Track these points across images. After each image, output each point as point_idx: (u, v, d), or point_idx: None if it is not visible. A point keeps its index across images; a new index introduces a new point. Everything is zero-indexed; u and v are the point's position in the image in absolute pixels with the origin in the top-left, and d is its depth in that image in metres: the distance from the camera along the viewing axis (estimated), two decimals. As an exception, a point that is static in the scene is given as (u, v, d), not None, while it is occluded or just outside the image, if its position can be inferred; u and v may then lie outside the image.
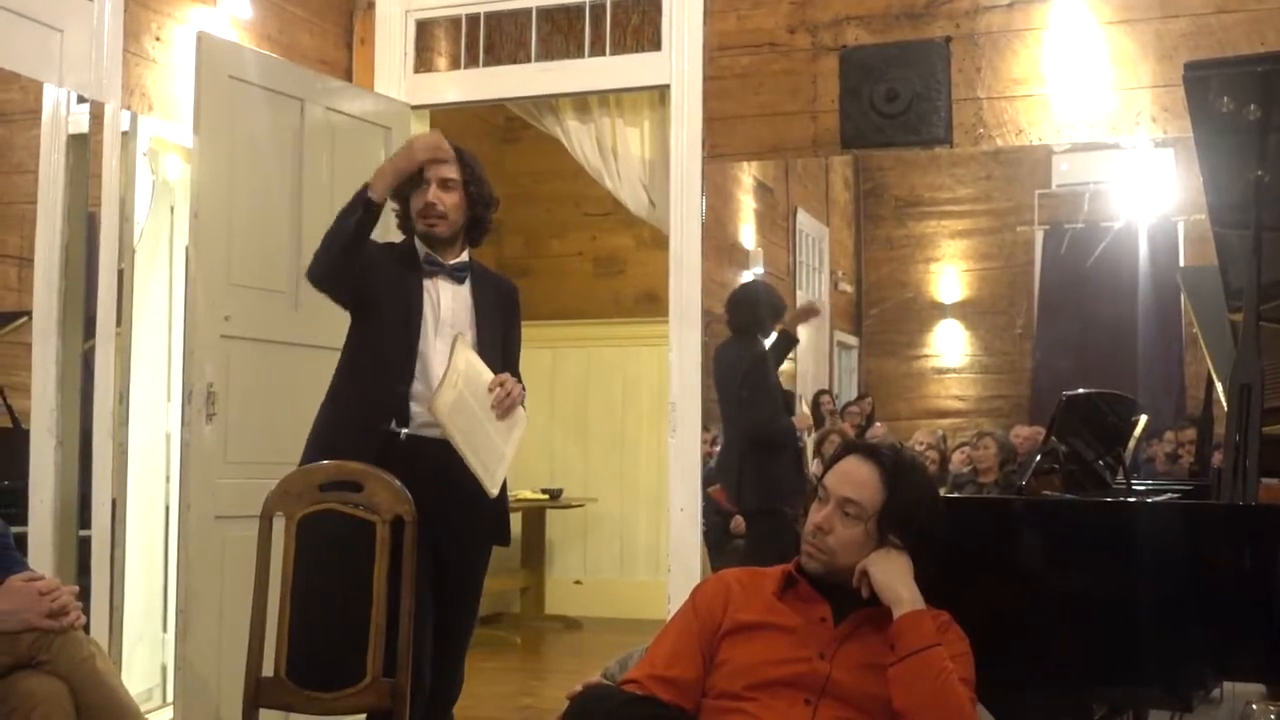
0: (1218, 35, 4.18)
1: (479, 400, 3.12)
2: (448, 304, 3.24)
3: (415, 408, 3.14)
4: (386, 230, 3.44)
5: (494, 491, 3.14)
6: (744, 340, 4.98)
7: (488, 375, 3.16)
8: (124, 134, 4.02)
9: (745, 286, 5.16)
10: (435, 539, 3.11)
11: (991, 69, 4.43)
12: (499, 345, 3.30)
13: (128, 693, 2.85)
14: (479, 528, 3.25)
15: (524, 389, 3.28)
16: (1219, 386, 3.69)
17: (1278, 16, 4.13)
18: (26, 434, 3.79)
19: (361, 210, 3.11)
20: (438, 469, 3.09)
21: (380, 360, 3.15)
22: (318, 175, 4.44)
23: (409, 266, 3.23)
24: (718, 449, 5.10)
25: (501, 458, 3.16)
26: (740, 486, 5.00)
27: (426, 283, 3.23)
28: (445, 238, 3.24)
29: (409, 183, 3.23)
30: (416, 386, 3.14)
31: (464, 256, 3.30)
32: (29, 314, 3.82)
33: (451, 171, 3.22)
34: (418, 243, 3.27)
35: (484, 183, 3.29)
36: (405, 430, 3.13)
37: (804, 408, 5.31)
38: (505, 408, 3.15)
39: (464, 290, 3.27)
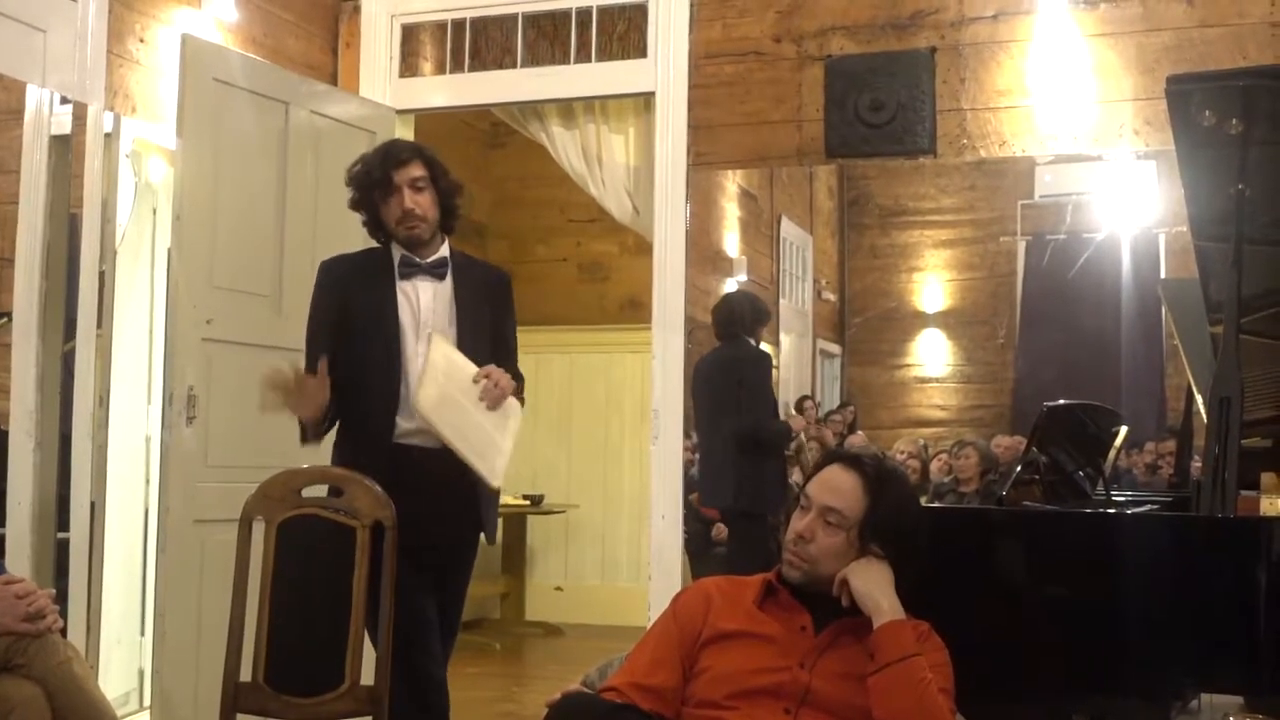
0: (1200, 49, 4.20)
1: (465, 394, 3.08)
2: (427, 304, 3.19)
3: (399, 419, 3.11)
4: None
5: (495, 483, 3.11)
6: (735, 344, 4.99)
7: (470, 368, 3.11)
8: (107, 135, 4.01)
9: (728, 295, 5.18)
10: (426, 545, 3.09)
11: (976, 80, 4.45)
12: (487, 338, 3.24)
13: (104, 697, 2.84)
14: (465, 528, 3.22)
15: (514, 380, 3.24)
16: (1199, 398, 3.71)
17: (1259, 31, 4.16)
18: (5, 435, 3.76)
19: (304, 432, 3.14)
20: (422, 475, 3.07)
21: (366, 381, 3.11)
22: (301, 179, 4.43)
23: (384, 275, 3.19)
24: (699, 456, 5.10)
25: (499, 450, 3.11)
26: (735, 488, 4.98)
27: (405, 286, 3.19)
28: (427, 238, 3.21)
29: (378, 191, 3.19)
30: (400, 393, 3.13)
31: (443, 250, 3.25)
32: (9, 315, 3.80)
33: (418, 170, 3.18)
34: (393, 246, 3.23)
35: (448, 172, 3.27)
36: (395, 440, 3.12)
37: (793, 412, 5.33)
38: (494, 398, 3.09)
39: (445, 286, 3.22)
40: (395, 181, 3.17)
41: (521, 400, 3.31)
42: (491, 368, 3.12)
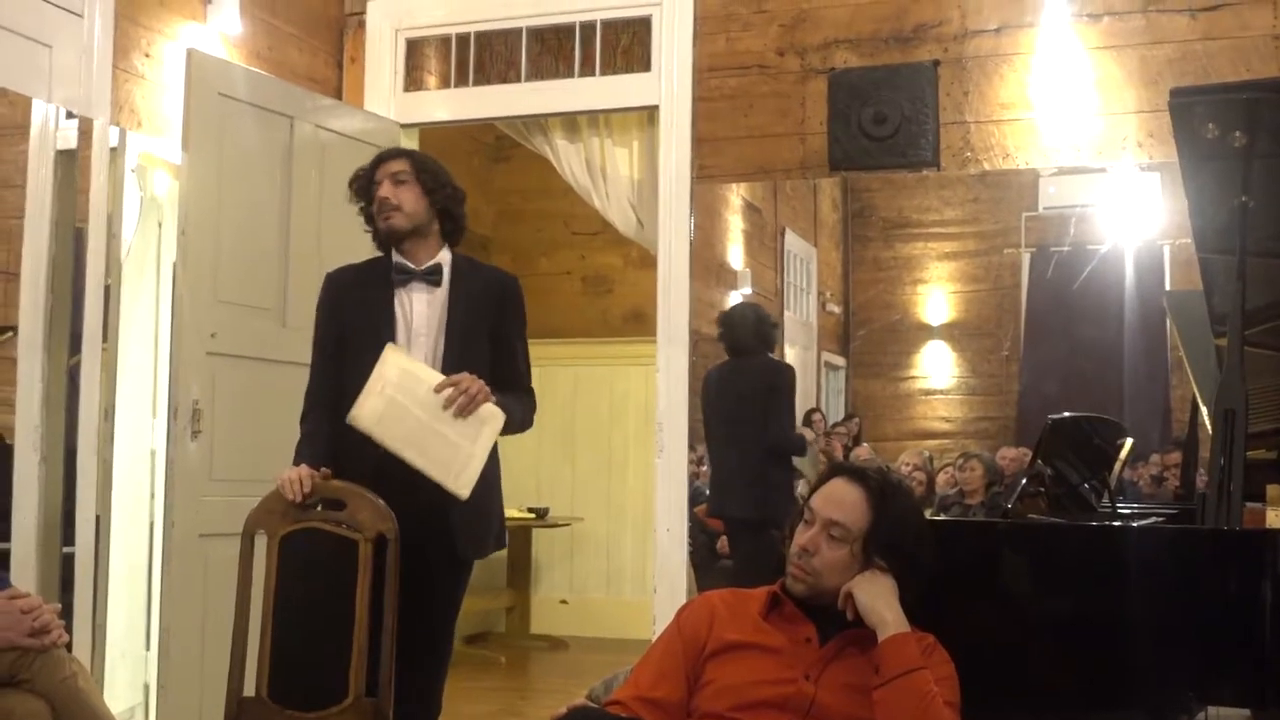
0: (1202, 62, 4.21)
1: (423, 405, 3.02)
2: (421, 312, 3.18)
3: None
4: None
5: (464, 494, 3.03)
6: (758, 355, 5.00)
7: (432, 378, 3.06)
8: (112, 150, 4.01)
9: (739, 307, 5.17)
10: (410, 555, 3.07)
11: (979, 93, 4.46)
12: (480, 344, 3.21)
13: (109, 711, 2.83)
14: (452, 544, 3.16)
15: (523, 390, 3.25)
16: (1204, 410, 3.71)
17: (1262, 43, 4.16)
18: (10, 449, 3.77)
19: None
20: (407, 487, 3.03)
21: (356, 390, 3.08)
22: (306, 193, 4.44)
23: (380, 284, 3.20)
24: (704, 469, 5.09)
25: (469, 456, 3.05)
26: (756, 498, 4.97)
27: (400, 294, 3.19)
28: (407, 229, 3.19)
29: (370, 197, 3.24)
30: None
31: (440, 257, 3.24)
32: (14, 329, 3.80)
33: (398, 165, 3.21)
34: (394, 255, 3.23)
35: (439, 173, 3.25)
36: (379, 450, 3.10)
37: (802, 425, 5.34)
38: (461, 406, 3.03)
39: (440, 294, 3.21)
40: (376, 177, 3.22)
41: (530, 420, 3.29)
42: (460, 375, 3.06)
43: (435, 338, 3.18)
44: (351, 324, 3.17)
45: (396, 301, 3.19)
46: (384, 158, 3.27)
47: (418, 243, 3.22)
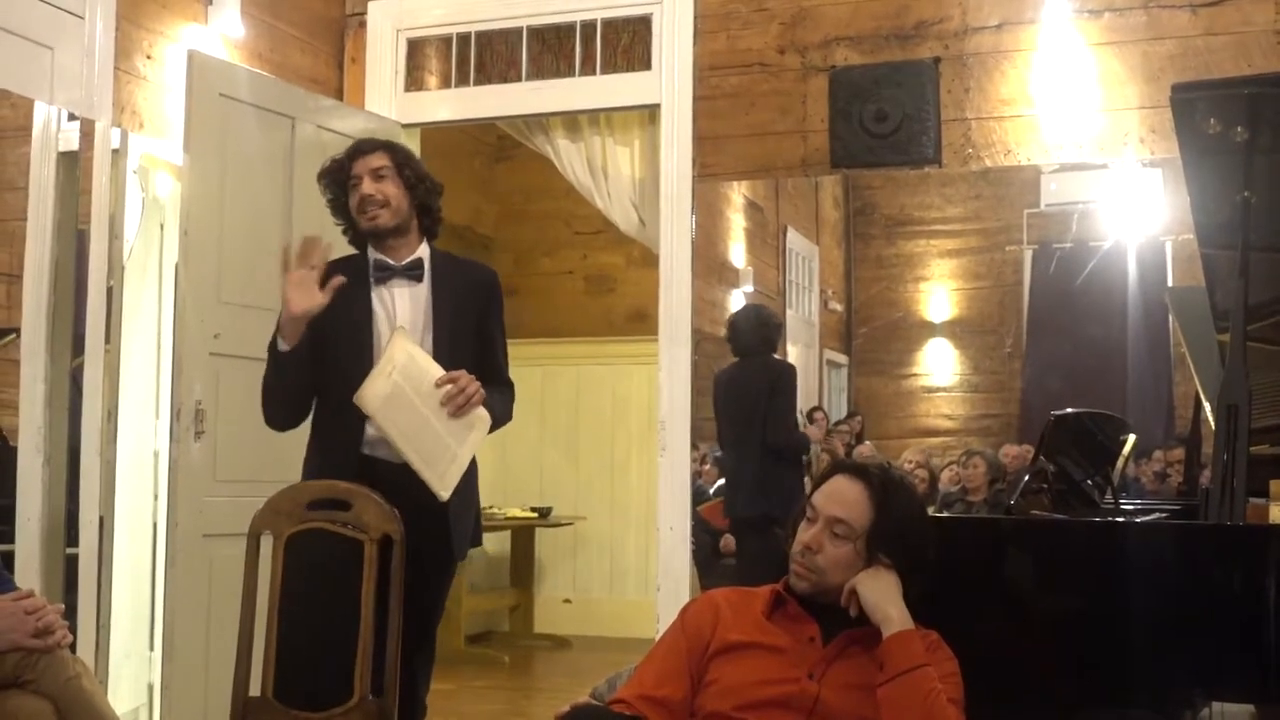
0: (1204, 57, 4.21)
1: (423, 396, 3.00)
2: (404, 309, 3.13)
3: (369, 429, 3.07)
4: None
5: (444, 495, 3.02)
6: (762, 357, 5.02)
7: (435, 371, 3.02)
8: (114, 151, 4.02)
9: (743, 309, 5.18)
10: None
11: (980, 90, 4.46)
12: (469, 340, 3.17)
13: (114, 712, 2.83)
14: (434, 545, 3.13)
15: (503, 385, 3.20)
16: (1207, 406, 3.71)
17: (1264, 38, 4.16)
18: (14, 451, 3.77)
19: (280, 363, 3.08)
20: (389, 489, 3.00)
21: (337, 390, 3.06)
22: (308, 193, 4.40)
23: (359, 281, 3.13)
24: (707, 468, 5.10)
25: (453, 458, 3.02)
26: (767, 497, 4.98)
27: (381, 291, 3.14)
28: (392, 227, 3.13)
29: (344, 191, 3.17)
30: None
31: (420, 252, 3.18)
32: (17, 331, 3.81)
33: (379, 160, 3.13)
34: (370, 252, 3.18)
35: (418, 166, 3.20)
36: (362, 450, 3.09)
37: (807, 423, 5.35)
38: (458, 405, 3.00)
39: (422, 290, 3.15)
40: (355, 171, 3.14)
41: (510, 413, 3.25)
42: (459, 373, 3.02)
43: (420, 334, 3.13)
44: (330, 322, 3.09)
45: (376, 299, 3.14)
46: (361, 150, 3.17)
47: (398, 239, 3.16)
